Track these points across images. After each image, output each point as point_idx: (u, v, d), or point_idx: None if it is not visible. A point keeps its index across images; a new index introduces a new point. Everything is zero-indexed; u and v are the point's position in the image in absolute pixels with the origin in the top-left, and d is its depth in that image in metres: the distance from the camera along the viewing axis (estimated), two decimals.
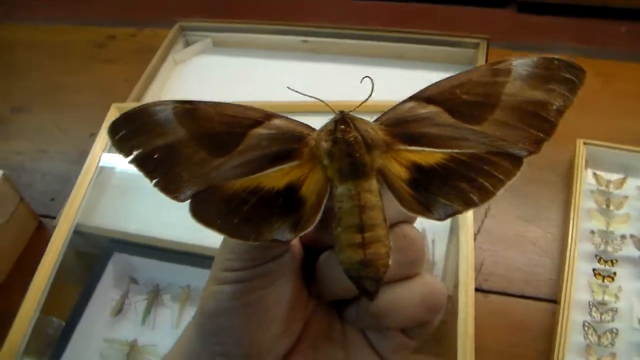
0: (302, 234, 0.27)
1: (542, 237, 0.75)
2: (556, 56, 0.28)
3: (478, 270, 0.74)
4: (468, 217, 0.71)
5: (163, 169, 0.28)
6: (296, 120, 0.30)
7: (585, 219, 0.74)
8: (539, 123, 0.28)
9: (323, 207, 0.28)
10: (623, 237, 0.72)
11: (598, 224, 0.74)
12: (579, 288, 0.70)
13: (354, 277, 0.27)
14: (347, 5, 1.14)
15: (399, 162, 0.29)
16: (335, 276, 0.29)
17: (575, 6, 1.03)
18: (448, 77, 0.29)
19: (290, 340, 0.31)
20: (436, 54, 0.92)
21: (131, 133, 0.28)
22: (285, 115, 0.30)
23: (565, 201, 0.77)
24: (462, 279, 0.67)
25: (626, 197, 0.75)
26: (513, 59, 0.29)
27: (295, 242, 0.31)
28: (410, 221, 0.30)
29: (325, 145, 0.29)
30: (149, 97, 0.91)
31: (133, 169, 0.28)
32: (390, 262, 0.27)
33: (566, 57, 0.29)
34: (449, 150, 0.28)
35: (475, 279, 0.71)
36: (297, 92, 0.32)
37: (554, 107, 0.28)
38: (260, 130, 0.29)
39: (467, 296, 0.65)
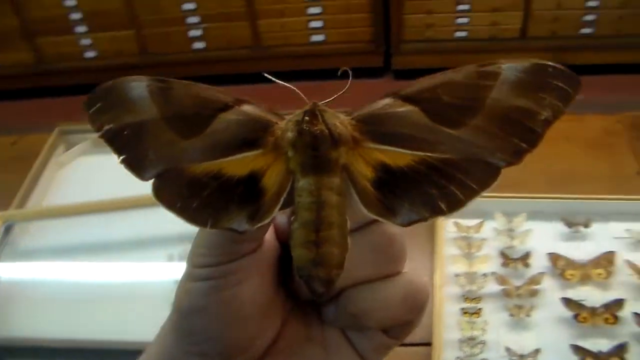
0: (259, 225, 0.26)
1: None
2: (549, 62, 0.26)
3: None
4: None
5: (131, 146, 0.27)
6: (267, 108, 0.29)
7: (450, 264, 0.82)
8: (523, 133, 0.26)
9: (282, 199, 0.27)
10: (485, 275, 0.81)
11: (462, 267, 0.82)
12: (450, 328, 0.77)
13: (304, 275, 0.26)
14: None
15: (365, 161, 0.27)
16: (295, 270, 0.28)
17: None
18: (430, 76, 0.27)
19: (268, 338, 0.30)
20: None
21: (104, 107, 0.27)
22: (254, 103, 0.29)
23: (431, 251, 0.84)
24: None
25: (484, 239, 0.84)
26: (502, 61, 0.26)
27: (271, 238, 0.29)
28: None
29: (290, 135, 0.27)
30: (33, 202, 0.93)
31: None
32: (344, 265, 0.26)
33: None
34: (421, 153, 0.27)
35: None
36: (272, 79, 0.30)
37: (542, 117, 0.26)
38: (229, 115, 0.28)
39: None
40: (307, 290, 0.27)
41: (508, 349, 0.74)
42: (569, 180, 0.93)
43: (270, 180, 0.27)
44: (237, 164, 0.27)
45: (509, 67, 0.26)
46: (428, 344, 0.75)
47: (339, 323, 0.30)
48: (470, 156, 0.26)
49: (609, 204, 0.85)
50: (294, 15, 1.83)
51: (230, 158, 0.27)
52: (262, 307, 0.29)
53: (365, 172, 0.27)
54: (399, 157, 0.27)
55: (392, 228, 0.28)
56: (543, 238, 0.84)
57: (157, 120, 0.27)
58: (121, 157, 0.27)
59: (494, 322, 0.78)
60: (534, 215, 0.86)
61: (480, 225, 0.86)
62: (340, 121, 0.27)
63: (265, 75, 0.31)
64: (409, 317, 0.28)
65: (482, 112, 0.26)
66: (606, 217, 0.86)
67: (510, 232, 0.84)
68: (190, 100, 0.28)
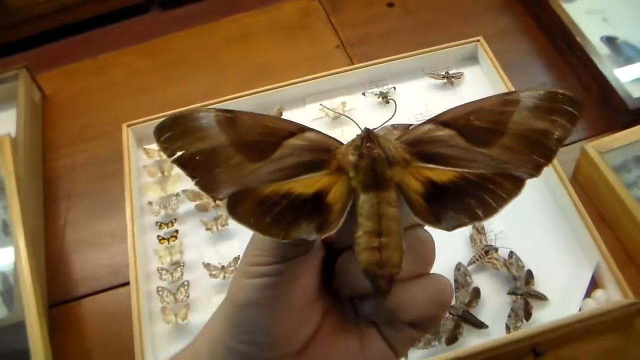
0: (326, 235, 0.30)
1: (118, 225, 0.77)
2: (561, 90, 0.31)
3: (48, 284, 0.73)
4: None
5: (203, 170, 0.30)
6: (326, 135, 0.33)
7: (143, 195, 0.77)
8: (541, 150, 0.31)
9: (346, 213, 0.30)
10: (177, 195, 0.76)
11: (154, 194, 0.77)
12: (150, 259, 0.73)
13: (370, 276, 0.30)
14: None
15: (415, 178, 0.31)
16: (353, 274, 0.31)
17: None
18: (463, 104, 0.32)
19: (310, 330, 0.33)
20: None
21: (176, 135, 0.30)
22: (316, 131, 0.33)
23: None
24: (26, 301, 0.66)
25: None
26: (521, 91, 0.31)
27: (318, 242, 0.33)
28: (422, 225, 0.32)
29: (351, 158, 0.31)
30: None
31: None
32: (402, 265, 0.30)
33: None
34: (460, 170, 0.31)
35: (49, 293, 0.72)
36: (327, 109, 0.28)
37: (555, 137, 0.31)
38: (294, 141, 0.32)
39: (33, 321, 0.65)
40: (372, 287, 0.30)
41: (207, 265, 0.71)
42: (269, 72, 0.88)
43: (335, 197, 0.31)
44: (304, 184, 0.31)
45: (527, 95, 0.31)
46: (127, 283, 0.70)
47: (375, 317, 0.33)
48: (499, 171, 0.31)
49: (306, 86, 0.82)
50: None
51: (297, 179, 0.31)
52: (309, 302, 0.32)
53: (415, 187, 0.31)
54: (443, 173, 0.31)
55: (424, 233, 0.32)
56: None
57: (226, 146, 0.31)
58: (195, 180, 0.30)
59: (192, 241, 0.74)
60: None
61: None
62: (393, 145, 0.31)
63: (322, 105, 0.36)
64: (435, 313, 0.32)
65: (507, 133, 0.31)
66: (303, 100, 0.83)
67: None
68: (258, 128, 0.31)
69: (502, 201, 0.30)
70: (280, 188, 0.31)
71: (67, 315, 0.72)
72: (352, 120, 0.40)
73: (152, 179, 0.78)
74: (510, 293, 0.66)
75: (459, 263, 0.68)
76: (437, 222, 0.31)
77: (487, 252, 0.68)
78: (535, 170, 0.31)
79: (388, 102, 0.81)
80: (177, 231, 0.74)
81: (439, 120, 0.32)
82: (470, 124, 0.32)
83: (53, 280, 0.74)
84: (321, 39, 0.93)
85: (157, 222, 0.75)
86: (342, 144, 0.33)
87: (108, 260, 0.76)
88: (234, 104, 0.80)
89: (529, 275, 0.67)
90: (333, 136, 0.33)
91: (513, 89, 0.77)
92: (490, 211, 0.30)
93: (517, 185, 0.31)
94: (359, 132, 0.33)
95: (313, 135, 0.32)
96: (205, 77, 0.89)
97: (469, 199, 0.31)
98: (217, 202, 0.31)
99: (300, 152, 0.32)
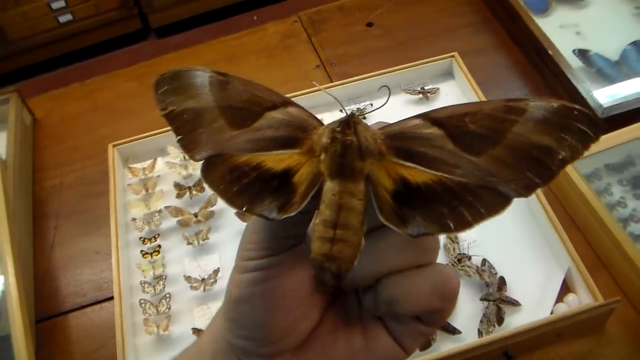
0: (286, 216, 0.28)
1: (104, 242, 0.79)
2: (577, 106, 0.27)
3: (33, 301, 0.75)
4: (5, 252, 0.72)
5: (188, 128, 0.30)
6: (309, 112, 0.31)
7: (127, 211, 0.80)
8: (538, 169, 0.27)
9: (309, 197, 0.29)
10: (160, 211, 0.79)
11: (138, 210, 0.79)
12: (134, 273, 0.75)
13: (317, 267, 0.29)
14: None
15: (387, 173, 0.29)
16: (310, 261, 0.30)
17: None
18: (462, 104, 0.29)
19: (310, 324, 0.32)
20: None
21: (171, 90, 0.30)
22: (299, 107, 0.31)
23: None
24: (12, 316, 0.68)
25: (158, 176, 0.82)
26: (530, 99, 0.28)
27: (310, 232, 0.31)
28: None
29: (324, 141, 0.30)
30: None
31: None
32: (354, 262, 0.28)
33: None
34: (439, 174, 0.28)
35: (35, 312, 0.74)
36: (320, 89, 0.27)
37: (560, 157, 0.27)
38: (274, 114, 0.31)
39: (18, 335, 0.67)
40: (316, 280, 0.29)
41: (188, 277, 0.72)
42: None
43: (302, 178, 0.30)
44: (275, 159, 0.30)
45: (537, 106, 0.27)
46: (112, 298, 0.72)
47: (377, 310, 0.31)
48: (484, 183, 0.28)
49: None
50: (33, 2, 1.70)
51: (270, 153, 0.30)
52: (305, 295, 0.31)
53: (385, 183, 0.29)
54: (419, 174, 0.29)
55: None
56: None
57: (212, 108, 0.30)
58: (178, 137, 0.30)
59: (174, 255, 0.76)
60: None
61: (153, 163, 0.83)
62: (372, 134, 0.30)
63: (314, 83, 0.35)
64: (439, 305, 0.29)
65: (503, 144, 0.28)
66: None
67: (185, 162, 0.82)
68: (245, 95, 0.31)
69: (478, 216, 0.27)
70: (252, 159, 0.30)
71: (54, 329, 0.74)
72: (339, 103, 0.40)
73: (136, 196, 0.81)
74: (483, 299, 0.67)
75: None
76: (402, 225, 0.28)
77: (459, 260, 0.70)
78: (526, 190, 0.27)
79: (364, 119, 0.84)
80: (159, 246, 0.76)
81: (430, 117, 0.30)
82: (463, 126, 0.29)
83: (41, 296, 0.77)
84: (302, 59, 0.96)
85: (140, 238, 0.77)
86: (322, 124, 0.31)
87: (93, 276, 0.78)
88: None
89: (502, 281, 0.68)
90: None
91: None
92: (463, 225, 0.27)
93: (500, 202, 0.27)
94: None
95: (295, 110, 0.31)
96: None
97: (442, 207, 0.28)
98: (194, 160, 0.31)
99: (279, 125, 0.31)
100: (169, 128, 0.31)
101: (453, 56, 0.87)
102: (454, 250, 0.71)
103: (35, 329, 0.73)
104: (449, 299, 0.30)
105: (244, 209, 0.29)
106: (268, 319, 0.30)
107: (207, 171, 0.30)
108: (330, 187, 0.29)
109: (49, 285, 0.77)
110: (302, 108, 0.31)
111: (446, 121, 0.29)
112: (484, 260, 0.70)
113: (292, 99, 0.32)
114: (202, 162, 0.30)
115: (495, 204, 0.27)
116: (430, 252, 0.30)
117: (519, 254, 0.71)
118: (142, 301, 0.71)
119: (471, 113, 0.29)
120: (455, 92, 0.87)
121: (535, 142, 0.27)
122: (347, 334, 0.32)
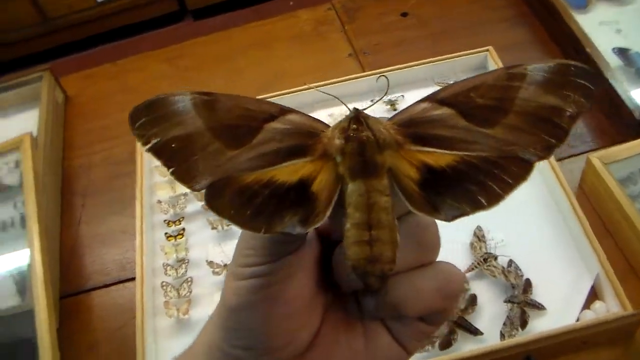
0: (312, 228, 0.28)
1: (129, 222, 0.79)
2: (572, 62, 0.27)
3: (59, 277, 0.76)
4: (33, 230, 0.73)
5: (180, 158, 0.28)
6: (311, 117, 0.30)
7: (153, 193, 0.80)
8: (551, 129, 0.28)
9: (333, 203, 0.28)
10: (185, 194, 0.79)
11: (164, 193, 0.80)
12: (157, 255, 0.75)
13: (360, 273, 0.28)
14: None
15: (409, 162, 0.28)
16: (349, 268, 0.29)
17: None
18: (463, 80, 0.29)
19: (311, 331, 0.31)
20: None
21: (150, 122, 0.28)
22: (299, 113, 0.30)
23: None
24: (36, 291, 0.69)
25: None
26: (528, 64, 0.28)
27: (312, 236, 0.30)
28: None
29: (337, 142, 0.29)
30: None
31: None
32: (395, 261, 0.27)
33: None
34: (460, 153, 0.28)
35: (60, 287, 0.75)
36: (321, 91, 0.28)
37: (568, 114, 0.27)
38: (275, 125, 0.29)
39: (41, 310, 0.68)
40: (362, 285, 0.28)
41: (210, 262, 0.73)
42: (282, 79, 0.90)
43: (321, 185, 0.28)
44: (287, 172, 0.28)
45: (535, 68, 0.28)
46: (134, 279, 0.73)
47: (379, 313, 0.30)
48: (504, 153, 0.28)
49: (315, 94, 0.84)
50: None
51: (279, 166, 0.28)
52: (306, 301, 0.30)
53: (409, 173, 0.28)
54: (440, 157, 0.28)
55: (425, 219, 0.29)
56: None
57: (203, 131, 0.28)
58: (170, 170, 0.28)
59: (198, 239, 0.76)
60: None
61: None
62: (384, 126, 0.29)
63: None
64: (443, 305, 0.29)
65: (513, 111, 0.28)
66: (312, 106, 0.84)
67: None
68: (236, 111, 0.29)
69: (508, 187, 0.27)
70: (261, 176, 0.28)
71: (77, 306, 0.75)
72: (341, 101, 0.35)
73: (163, 178, 0.81)
74: (507, 301, 0.66)
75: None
76: (435, 212, 0.28)
77: (485, 260, 0.69)
78: (546, 152, 0.28)
79: (395, 110, 0.82)
80: (184, 229, 0.77)
81: (436, 98, 0.29)
82: (471, 102, 0.28)
83: (66, 273, 0.78)
84: (334, 47, 0.94)
85: (165, 220, 0.77)
86: (329, 126, 0.30)
87: (118, 256, 0.78)
88: None
89: (527, 284, 0.67)
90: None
91: None
92: (494, 198, 0.27)
93: (524, 168, 0.28)
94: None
95: (296, 117, 0.29)
96: (220, 82, 0.92)
97: (470, 185, 0.28)
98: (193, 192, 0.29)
99: (282, 136, 0.29)
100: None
101: (488, 50, 0.85)
102: (480, 249, 0.70)
103: (59, 305, 0.74)
104: (453, 298, 0.30)
105: (263, 230, 0.27)
106: (270, 327, 0.29)
107: (212, 199, 0.28)
108: (354, 188, 0.28)
109: (75, 263, 0.78)
110: (303, 113, 0.30)
111: (454, 99, 0.29)
112: (511, 261, 0.69)
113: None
114: (204, 192, 0.28)
115: (520, 171, 0.28)
116: (434, 249, 0.30)
117: (547, 257, 0.70)
118: (163, 283, 0.72)
119: (475, 87, 0.29)
120: None
121: (543, 104, 0.28)
122: (348, 336, 0.31)
